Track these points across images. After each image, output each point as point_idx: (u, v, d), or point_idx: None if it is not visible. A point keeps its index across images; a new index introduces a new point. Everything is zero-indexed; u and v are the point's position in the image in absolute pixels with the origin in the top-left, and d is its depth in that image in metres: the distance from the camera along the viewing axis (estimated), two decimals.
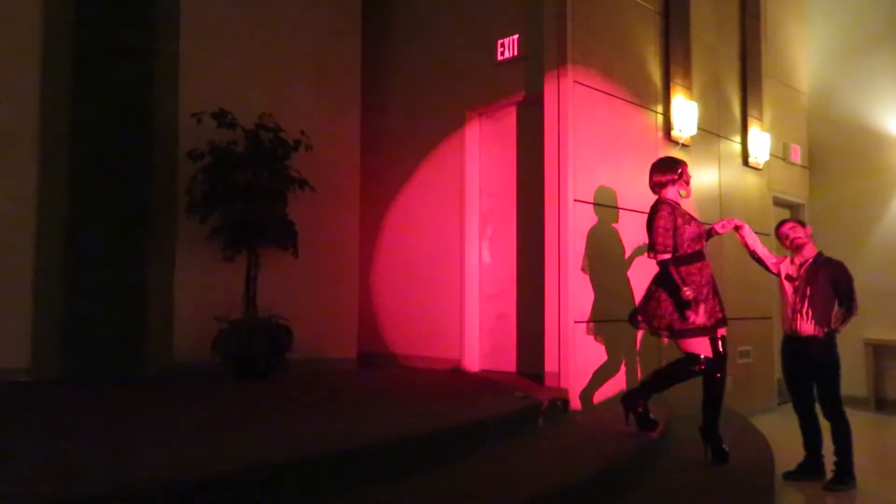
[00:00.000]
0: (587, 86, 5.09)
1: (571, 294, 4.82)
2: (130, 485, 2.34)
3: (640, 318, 4.07)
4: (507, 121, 5.84)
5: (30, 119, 4.82)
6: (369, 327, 6.69)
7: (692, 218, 4.04)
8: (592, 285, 4.96)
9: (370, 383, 5.36)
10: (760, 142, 7.04)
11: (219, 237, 5.18)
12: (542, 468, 3.38)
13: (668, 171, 4.12)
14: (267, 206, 5.17)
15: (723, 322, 3.98)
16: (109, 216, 5.15)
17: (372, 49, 6.84)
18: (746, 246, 4.52)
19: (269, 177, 5.23)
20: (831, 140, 8.07)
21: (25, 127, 4.80)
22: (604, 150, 5.20)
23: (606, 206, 5.14)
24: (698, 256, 3.94)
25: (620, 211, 5.25)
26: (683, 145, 5.97)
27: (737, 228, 4.33)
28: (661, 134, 5.80)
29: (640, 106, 5.61)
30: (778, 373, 7.36)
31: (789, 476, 4.42)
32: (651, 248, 3.95)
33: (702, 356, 3.88)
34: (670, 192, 4.10)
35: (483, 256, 5.93)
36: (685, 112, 5.86)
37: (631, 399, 4.13)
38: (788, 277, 4.47)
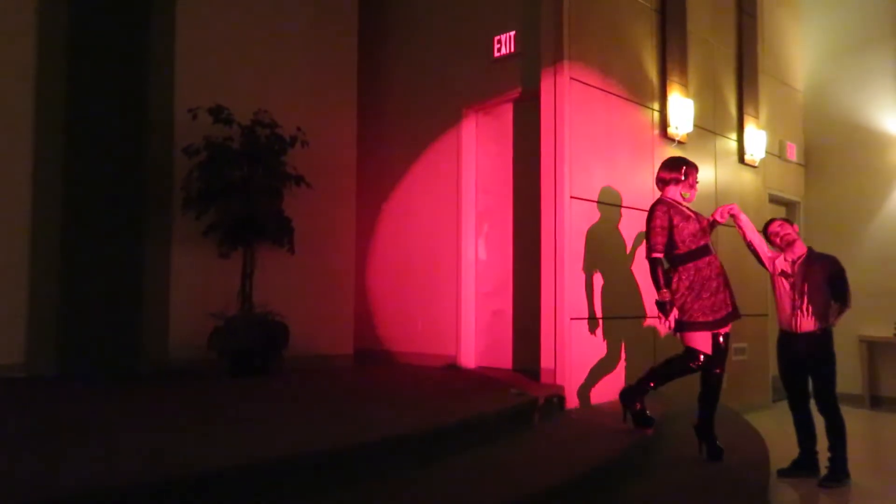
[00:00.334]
0: (584, 83, 5.09)
1: (568, 291, 4.82)
2: (122, 482, 2.33)
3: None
4: (504, 118, 5.84)
5: (24, 116, 4.81)
6: (365, 324, 6.69)
7: (692, 215, 4.05)
8: (589, 282, 4.97)
9: (365, 380, 5.36)
10: (756, 139, 7.05)
11: (215, 234, 5.16)
12: (537, 465, 3.39)
13: (672, 169, 4.16)
14: (263, 203, 5.16)
15: (732, 316, 4.03)
16: (105, 212, 5.14)
17: (369, 45, 6.83)
18: (744, 235, 4.53)
19: (265, 173, 5.22)
20: (827, 138, 8.08)
21: (20, 124, 4.79)
22: (600, 147, 5.20)
23: (603, 203, 5.15)
24: (704, 252, 3.98)
25: (617, 208, 5.25)
26: (679, 142, 5.97)
27: (733, 217, 4.34)
28: (657, 131, 5.80)
29: (637, 103, 5.61)
30: (773, 370, 7.40)
31: (784, 473, 4.44)
32: (648, 247, 4.01)
33: (701, 353, 3.90)
34: (671, 191, 4.14)
35: (479, 253, 5.93)
36: (681, 109, 5.87)
37: (629, 396, 4.15)
38: (783, 274, 4.47)
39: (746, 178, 7.10)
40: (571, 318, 4.83)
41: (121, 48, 5.29)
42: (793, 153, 7.99)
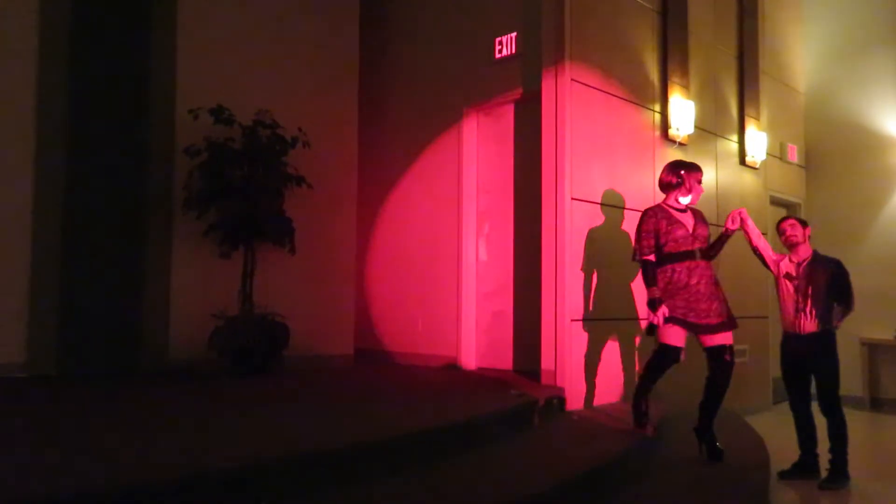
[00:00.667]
0: (585, 84, 5.09)
1: (568, 292, 4.82)
2: (121, 482, 2.33)
3: None
4: (505, 118, 5.84)
5: (25, 115, 4.81)
6: (366, 324, 6.69)
7: (682, 220, 4.05)
8: (589, 284, 4.97)
9: (365, 380, 5.36)
10: (757, 141, 7.05)
11: (215, 234, 5.16)
12: (538, 466, 3.39)
13: (671, 173, 4.17)
14: (264, 203, 5.16)
15: (726, 326, 4.04)
16: (106, 212, 5.14)
17: (370, 46, 6.83)
18: (750, 240, 4.54)
19: (266, 173, 5.22)
20: (828, 140, 8.08)
21: (21, 123, 4.79)
22: (601, 149, 5.20)
23: (603, 205, 5.15)
24: (685, 256, 3.99)
25: (617, 209, 5.25)
26: (681, 144, 5.97)
27: (741, 220, 4.35)
28: (658, 132, 5.80)
29: (638, 104, 5.61)
30: (774, 372, 7.40)
31: (784, 475, 4.43)
32: (634, 251, 4.12)
33: (672, 347, 3.99)
34: (672, 195, 4.15)
35: (480, 254, 5.93)
36: (682, 111, 5.87)
37: (636, 399, 4.17)
38: (788, 276, 4.48)
39: (747, 179, 7.09)
40: (572, 320, 4.83)
41: (122, 48, 5.30)
42: (794, 155, 7.99)
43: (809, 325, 4.38)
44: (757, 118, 7.17)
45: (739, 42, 7.08)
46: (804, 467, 4.45)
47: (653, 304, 3.96)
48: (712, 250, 4.16)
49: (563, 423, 4.42)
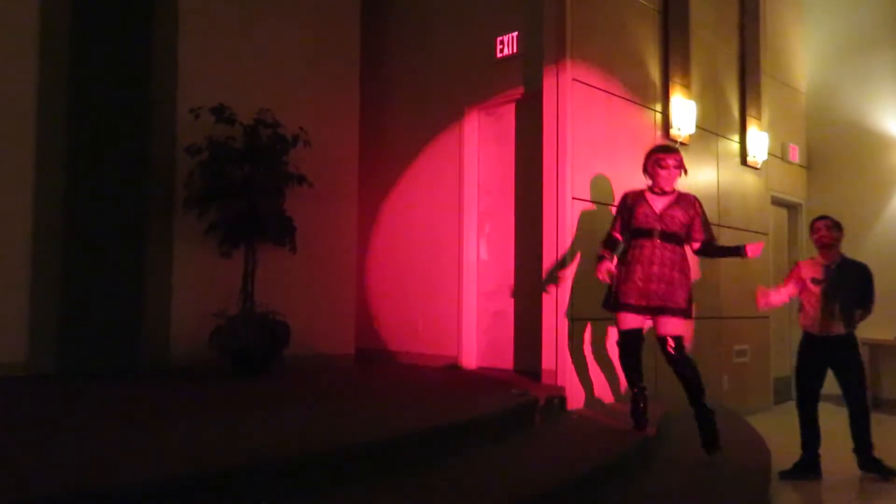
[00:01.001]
0: (586, 84, 5.09)
1: (569, 292, 4.82)
2: (119, 482, 2.33)
3: None
4: (506, 118, 5.84)
5: (27, 115, 4.81)
6: (367, 323, 6.69)
7: (654, 202, 4.08)
8: (590, 283, 4.96)
9: (366, 380, 5.36)
10: (759, 141, 7.04)
11: (216, 233, 5.16)
12: (539, 466, 3.39)
13: (645, 157, 4.22)
14: (265, 202, 5.16)
15: (658, 310, 3.99)
16: (107, 211, 5.14)
17: (371, 45, 6.83)
18: (785, 300, 4.72)
19: (267, 172, 5.22)
20: (829, 140, 8.07)
21: (22, 123, 4.79)
22: (602, 149, 5.20)
23: (604, 204, 5.14)
24: (642, 234, 4.04)
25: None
26: (682, 144, 5.96)
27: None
28: (659, 132, 5.80)
29: (639, 104, 5.61)
30: (775, 372, 7.41)
31: (786, 475, 4.43)
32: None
33: (623, 329, 4.10)
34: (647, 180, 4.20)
35: (481, 253, 5.93)
36: (684, 111, 5.86)
37: (632, 399, 4.18)
38: (814, 280, 4.51)
39: (748, 179, 7.09)
40: (573, 319, 4.82)
41: (123, 47, 5.30)
42: (795, 155, 7.98)
43: (837, 327, 4.46)
44: (758, 118, 7.17)
45: (741, 42, 7.07)
46: (807, 467, 4.46)
47: (599, 259, 4.10)
48: (710, 248, 4.16)
49: (563, 423, 4.41)
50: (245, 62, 5.77)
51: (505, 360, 5.66)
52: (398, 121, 6.71)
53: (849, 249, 4.78)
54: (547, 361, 4.86)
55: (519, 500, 2.84)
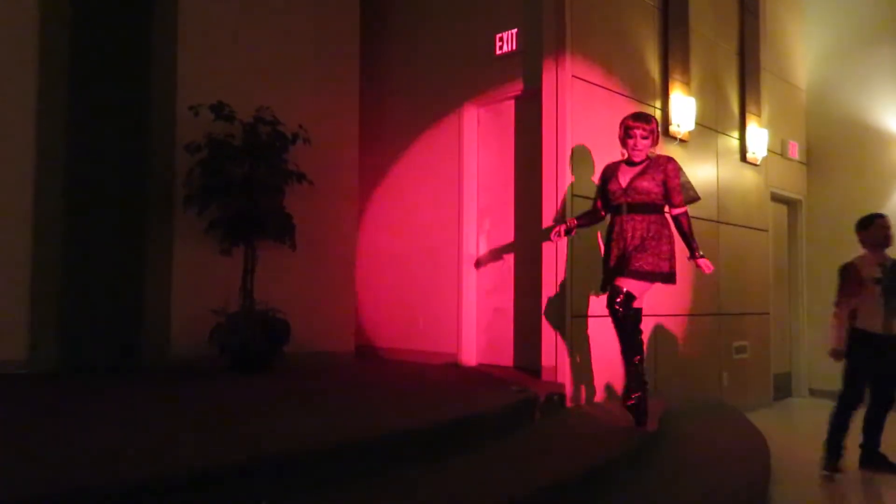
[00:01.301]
0: (585, 80, 5.09)
1: (569, 288, 4.82)
2: (119, 479, 2.34)
3: None
4: (506, 115, 5.84)
5: (26, 112, 4.80)
6: (366, 321, 6.70)
7: (622, 175, 4.06)
8: (591, 280, 4.96)
9: (366, 377, 5.36)
10: (758, 137, 7.04)
11: (216, 230, 5.16)
12: (539, 463, 3.39)
13: (619, 125, 4.18)
14: (264, 200, 5.16)
15: (615, 271, 3.97)
16: (107, 209, 5.14)
17: (370, 42, 6.83)
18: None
19: (266, 170, 5.21)
20: (829, 136, 8.07)
21: (22, 119, 4.78)
22: (602, 145, 5.19)
23: None
24: (615, 210, 4.06)
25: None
26: (681, 140, 5.97)
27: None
28: (658, 129, 5.79)
29: (639, 101, 5.60)
30: (775, 368, 7.41)
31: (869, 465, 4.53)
32: None
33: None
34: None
35: (481, 250, 5.93)
36: (683, 107, 5.86)
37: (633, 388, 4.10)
38: (874, 279, 4.52)
39: (748, 176, 7.09)
40: (572, 316, 4.82)
41: (123, 45, 5.30)
42: (795, 151, 7.98)
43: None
44: (758, 115, 7.16)
45: (740, 38, 7.07)
46: (836, 455, 4.49)
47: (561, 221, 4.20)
48: (679, 225, 4.06)
49: (563, 420, 4.42)
50: (244, 59, 5.76)
51: (505, 356, 5.66)
52: (398, 118, 6.70)
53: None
54: (547, 358, 4.87)
55: (520, 497, 2.85)
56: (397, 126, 6.69)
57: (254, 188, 5.11)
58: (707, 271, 4.04)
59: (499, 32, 5.73)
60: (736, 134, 6.92)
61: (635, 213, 3.96)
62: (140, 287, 5.24)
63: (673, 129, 5.86)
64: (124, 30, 5.32)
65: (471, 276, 5.91)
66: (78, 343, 4.92)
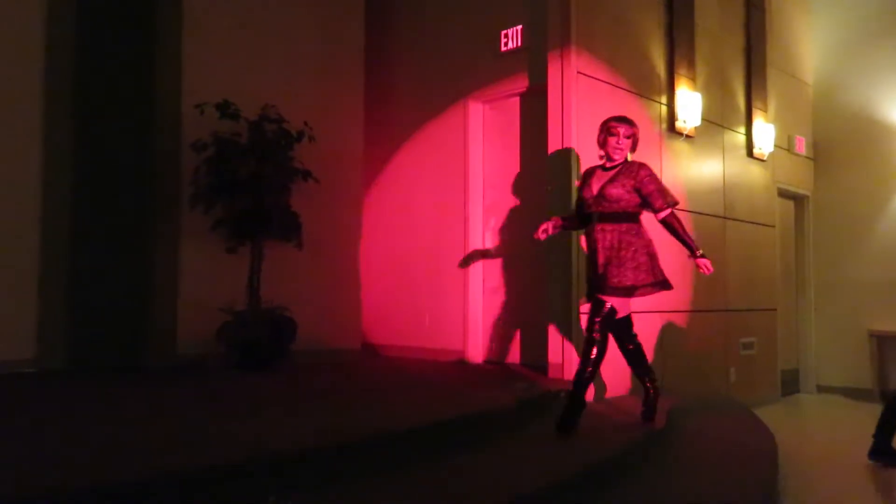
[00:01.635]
0: (591, 76, 5.08)
1: (575, 285, 4.81)
2: (126, 476, 2.34)
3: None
4: (511, 111, 5.83)
5: (32, 111, 4.82)
6: (373, 318, 6.70)
7: (594, 181, 3.94)
8: None
9: (372, 375, 5.36)
10: (765, 133, 7.01)
11: (223, 229, 5.17)
12: (546, 459, 3.39)
13: (599, 129, 4.05)
14: (271, 198, 5.17)
15: (597, 289, 3.86)
16: (113, 208, 5.15)
17: (375, 40, 6.82)
18: None
19: (272, 168, 5.22)
20: (836, 131, 8.04)
21: (28, 120, 4.80)
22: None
23: None
24: (585, 220, 3.97)
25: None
26: (687, 136, 5.95)
27: None
28: (664, 125, 5.78)
29: (644, 97, 5.59)
30: (783, 364, 7.39)
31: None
32: None
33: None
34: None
35: (486, 247, 5.93)
36: (689, 103, 5.84)
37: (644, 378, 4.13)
38: None
39: (755, 171, 7.07)
40: (579, 314, 4.82)
41: (128, 44, 5.30)
42: (802, 147, 7.95)
43: None
44: (764, 110, 7.14)
45: (746, 33, 7.04)
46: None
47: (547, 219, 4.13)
48: (670, 226, 3.90)
49: None
50: (249, 57, 5.76)
51: (511, 354, 5.66)
52: (403, 115, 6.70)
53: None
54: (553, 355, 4.87)
55: (527, 494, 2.84)
56: (402, 123, 6.68)
57: (260, 186, 5.12)
58: (706, 272, 3.91)
59: (504, 29, 5.72)
60: (742, 129, 6.90)
61: (605, 222, 3.84)
62: (147, 285, 5.25)
63: (679, 124, 5.84)
64: (130, 29, 5.32)
65: (477, 273, 5.91)
66: (86, 342, 4.94)
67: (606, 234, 3.83)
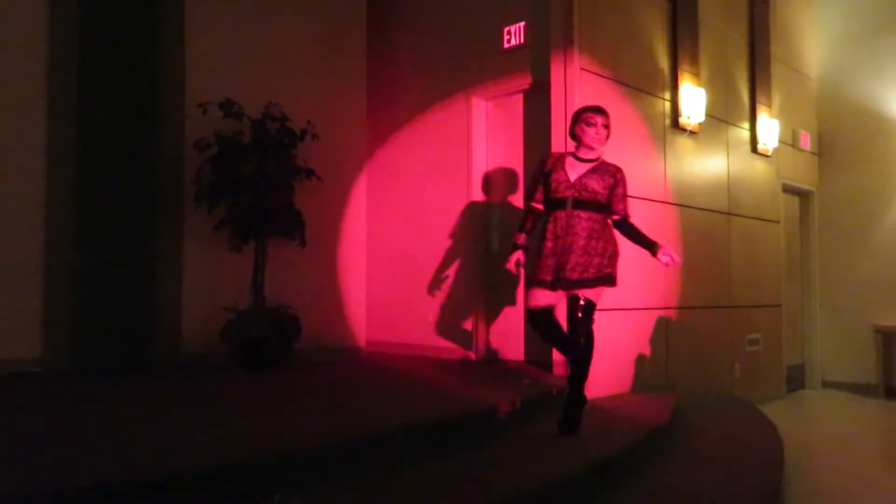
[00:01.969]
0: (594, 73, 5.06)
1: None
2: (133, 476, 2.35)
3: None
4: (514, 108, 5.82)
5: (36, 111, 4.82)
6: (377, 316, 6.70)
7: (571, 169, 3.84)
8: None
9: (377, 373, 5.37)
10: (769, 128, 6.99)
11: (226, 227, 5.18)
12: (550, 457, 3.38)
13: (572, 120, 4.00)
14: (274, 197, 5.17)
15: (577, 283, 3.73)
16: (117, 207, 5.17)
17: (378, 37, 6.81)
18: None
19: (275, 166, 5.22)
20: (841, 126, 8.00)
21: (32, 118, 4.81)
22: (611, 138, 5.15)
23: None
24: (557, 204, 3.81)
25: (628, 199, 5.21)
26: (691, 132, 5.93)
27: None
28: (668, 121, 5.76)
29: (648, 93, 5.57)
30: (788, 360, 7.38)
31: None
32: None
33: (530, 308, 3.85)
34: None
35: (490, 244, 5.92)
36: (693, 99, 5.82)
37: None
38: None
39: (759, 167, 7.04)
40: None
41: (131, 43, 5.31)
42: (806, 142, 7.92)
43: None
44: (769, 105, 7.11)
45: (750, 28, 7.01)
46: None
47: (513, 248, 3.98)
48: (625, 227, 3.90)
49: None
50: (251, 56, 5.76)
51: (516, 351, 5.66)
52: (405, 112, 6.69)
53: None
54: (557, 352, 4.85)
55: (531, 492, 2.84)
56: (405, 120, 6.67)
57: (263, 185, 5.12)
58: (673, 264, 3.82)
59: (507, 26, 5.70)
60: (746, 125, 6.87)
61: (581, 209, 3.76)
62: (151, 285, 5.27)
63: (683, 120, 5.82)
64: (133, 28, 5.33)
65: (481, 270, 5.90)
66: (91, 341, 4.96)
67: (582, 222, 3.76)
